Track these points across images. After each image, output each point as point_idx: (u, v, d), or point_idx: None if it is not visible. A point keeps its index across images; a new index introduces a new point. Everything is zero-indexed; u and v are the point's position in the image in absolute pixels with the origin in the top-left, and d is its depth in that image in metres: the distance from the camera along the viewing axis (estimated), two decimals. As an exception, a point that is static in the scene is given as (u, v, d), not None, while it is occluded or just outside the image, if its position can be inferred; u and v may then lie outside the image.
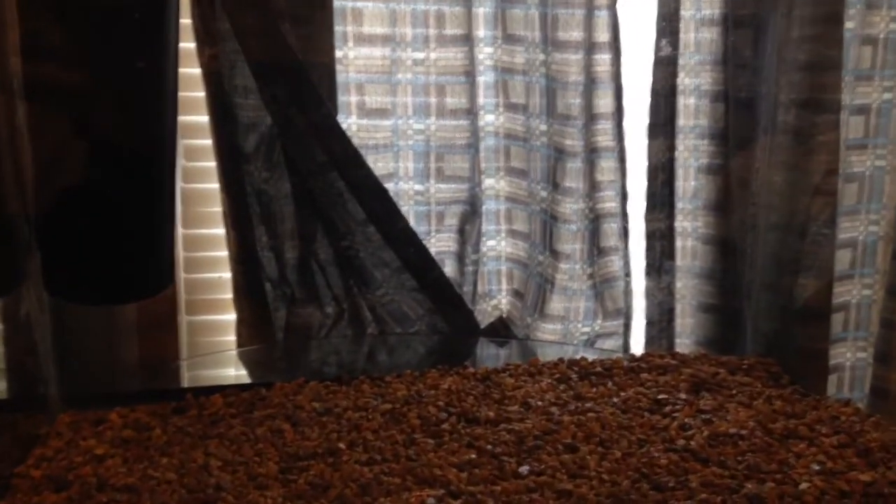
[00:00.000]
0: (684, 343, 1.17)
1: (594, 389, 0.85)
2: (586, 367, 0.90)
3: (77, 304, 0.76)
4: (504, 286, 1.22)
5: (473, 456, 0.69)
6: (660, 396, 0.81)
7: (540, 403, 0.80)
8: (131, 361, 1.03)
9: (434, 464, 0.68)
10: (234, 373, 1.08)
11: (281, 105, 1.02)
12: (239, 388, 0.85)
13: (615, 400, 0.82)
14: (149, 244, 0.73)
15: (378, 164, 1.09)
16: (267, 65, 1.01)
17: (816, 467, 0.67)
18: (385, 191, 1.07)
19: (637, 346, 1.20)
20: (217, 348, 1.18)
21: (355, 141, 1.08)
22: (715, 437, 0.72)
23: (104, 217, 0.70)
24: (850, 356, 1.14)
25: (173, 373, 1.02)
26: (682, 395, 0.81)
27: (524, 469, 0.67)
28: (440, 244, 1.17)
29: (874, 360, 1.11)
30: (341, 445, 0.71)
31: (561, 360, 0.92)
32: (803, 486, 0.63)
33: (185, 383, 1.03)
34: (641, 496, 0.63)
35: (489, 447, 0.71)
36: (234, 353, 1.11)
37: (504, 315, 1.21)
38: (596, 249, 1.16)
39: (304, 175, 1.05)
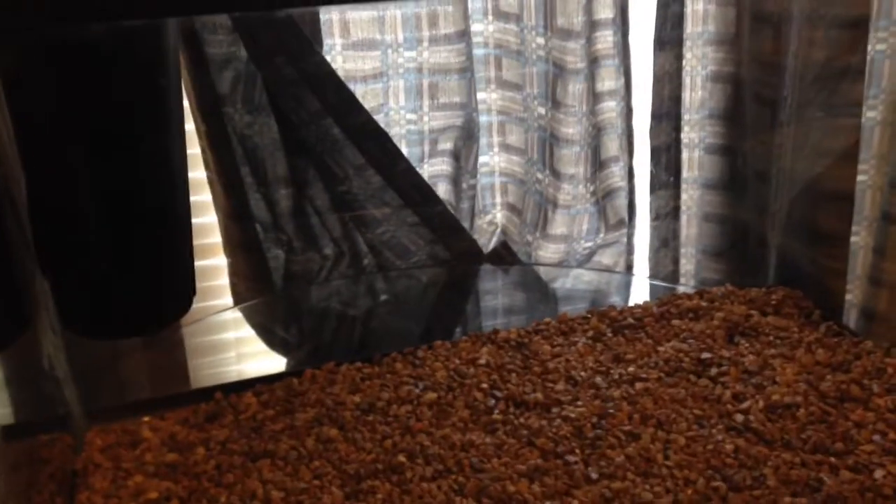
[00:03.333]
0: (689, 252, 1.16)
1: (631, 347, 0.84)
2: (616, 318, 0.88)
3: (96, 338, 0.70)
4: (498, 200, 1.19)
5: (540, 461, 0.68)
6: (703, 356, 0.80)
7: (584, 375, 0.79)
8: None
9: (503, 475, 0.66)
10: (243, 335, 1.04)
11: (265, 53, 0.92)
12: (267, 380, 0.81)
13: (657, 360, 0.81)
14: (169, 265, 0.66)
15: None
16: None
17: (878, 438, 0.68)
18: (385, 134, 1.00)
19: (640, 255, 1.19)
20: (210, 296, 1.13)
21: (341, 73, 0.99)
22: (772, 409, 0.72)
23: (118, 246, 0.63)
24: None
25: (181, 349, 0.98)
26: (724, 353, 0.81)
27: (593, 472, 0.66)
28: (433, 168, 1.11)
29: (872, 252, 1.11)
30: (401, 459, 0.69)
31: (590, 312, 0.90)
32: (878, 474, 0.64)
33: (190, 356, 0.99)
34: (721, 499, 0.63)
35: (551, 445, 0.69)
36: (236, 312, 1.06)
37: (499, 229, 1.18)
38: (598, 164, 1.12)
39: (296, 124, 0.97)
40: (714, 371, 0.78)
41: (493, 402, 0.76)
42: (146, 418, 0.77)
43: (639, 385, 0.77)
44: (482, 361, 0.81)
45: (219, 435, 0.73)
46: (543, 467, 0.67)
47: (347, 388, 0.79)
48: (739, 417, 0.72)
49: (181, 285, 0.68)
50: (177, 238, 0.66)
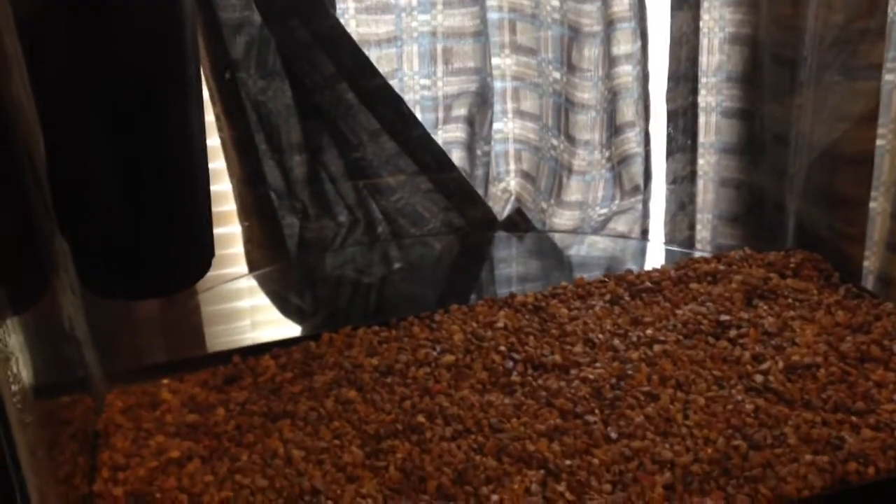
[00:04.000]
0: (706, 218, 1.15)
1: (649, 310, 0.83)
2: (634, 282, 0.88)
3: (119, 299, 0.70)
4: (512, 167, 1.18)
5: (559, 420, 0.68)
6: (721, 318, 0.80)
7: (601, 337, 0.79)
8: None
9: (522, 434, 0.66)
10: (257, 303, 1.04)
11: (279, 16, 0.91)
12: (285, 344, 0.81)
13: (675, 323, 0.80)
14: (189, 224, 0.66)
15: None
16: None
17: (900, 399, 0.67)
18: (400, 99, 0.99)
19: (656, 222, 1.18)
20: (226, 264, 1.13)
21: (355, 38, 0.99)
22: (792, 370, 0.72)
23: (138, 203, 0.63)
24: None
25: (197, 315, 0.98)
26: (743, 314, 0.80)
27: (613, 432, 0.66)
28: (447, 135, 1.11)
29: (890, 217, 1.10)
30: (421, 419, 0.69)
31: (607, 276, 0.89)
32: (900, 432, 0.63)
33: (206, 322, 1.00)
34: (741, 458, 0.63)
35: (570, 405, 0.69)
36: (251, 279, 1.06)
37: (513, 196, 1.18)
38: (613, 129, 1.11)
39: (310, 88, 0.97)
40: (733, 333, 0.78)
41: (511, 364, 0.76)
42: (165, 381, 0.77)
43: (657, 347, 0.77)
44: (500, 324, 0.81)
45: (238, 397, 0.74)
46: (563, 427, 0.67)
47: (365, 351, 0.79)
48: (759, 378, 0.71)
49: (200, 246, 0.68)
50: (195, 199, 0.66)
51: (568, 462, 0.63)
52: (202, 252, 0.69)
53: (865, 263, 1.06)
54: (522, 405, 0.70)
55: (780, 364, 0.73)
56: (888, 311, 0.79)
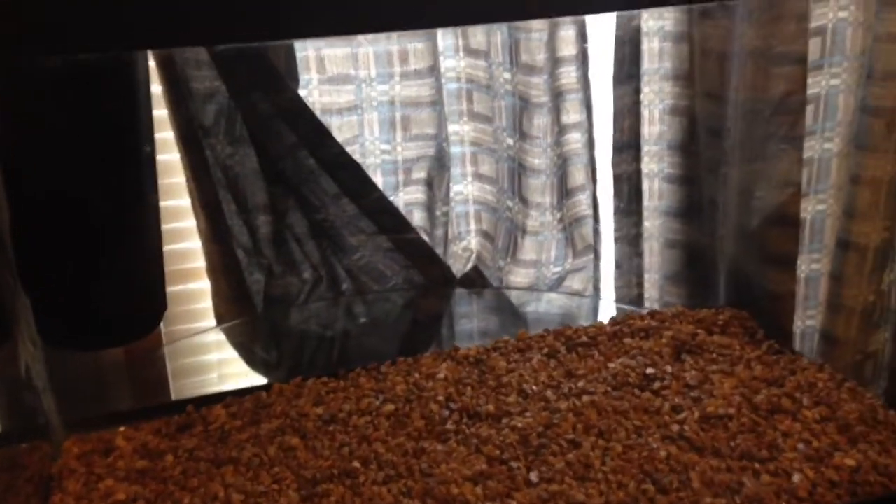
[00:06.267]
0: (653, 278, 1.21)
1: (583, 363, 0.88)
2: (572, 336, 0.93)
3: (73, 350, 0.75)
4: (473, 227, 1.24)
5: (485, 466, 0.72)
6: (648, 371, 0.85)
7: (535, 388, 0.84)
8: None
9: (449, 479, 0.71)
10: (224, 356, 1.09)
11: (243, 89, 0.98)
12: (238, 394, 0.86)
13: (605, 375, 0.85)
14: (140, 280, 0.71)
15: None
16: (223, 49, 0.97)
17: (802, 447, 0.72)
18: (358, 165, 1.06)
19: (607, 282, 1.23)
20: (194, 318, 1.18)
21: (318, 106, 1.06)
22: (706, 420, 0.77)
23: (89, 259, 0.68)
24: (805, 268, 1.19)
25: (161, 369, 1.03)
26: (668, 368, 0.85)
27: (534, 476, 0.71)
28: (408, 196, 1.17)
29: (830, 278, 1.16)
30: (356, 464, 0.73)
31: (547, 331, 0.94)
32: (796, 478, 0.68)
33: (172, 375, 1.04)
34: (649, 501, 0.67)
35: (497, 452, 0.74)
36: (218, 332, 1.11)
37: (474, 255, 1.23)
38: (565, 192, 1.18)
39: (273, 155, 1.03)
40: (657, 385, 0.83)
41: (447, 413, 0.80)
42: (122, 428, 0.81)
43: (586, 398, 0.81)
44: (441, 376, 0.86)
45: (188, 444, 0.78)
46: (488, 472, 0.72)
47: (312, 401, 0.84)
48: (675, 427, 0.76)
49: (152, 301, 0.73)
50: (147, 258, 0.71)
51: (488, 505, 0.68)
52: (154, 306, 0.74)
53: (810, 322, 1.12)
54: (453, 452, 0.75)
55: (696, 414, 0.77)
56: (803, 367, 0.85)
